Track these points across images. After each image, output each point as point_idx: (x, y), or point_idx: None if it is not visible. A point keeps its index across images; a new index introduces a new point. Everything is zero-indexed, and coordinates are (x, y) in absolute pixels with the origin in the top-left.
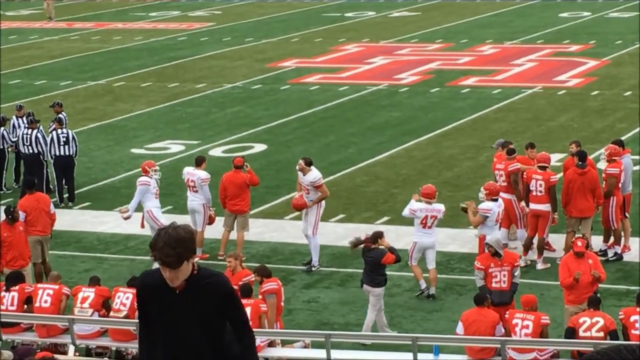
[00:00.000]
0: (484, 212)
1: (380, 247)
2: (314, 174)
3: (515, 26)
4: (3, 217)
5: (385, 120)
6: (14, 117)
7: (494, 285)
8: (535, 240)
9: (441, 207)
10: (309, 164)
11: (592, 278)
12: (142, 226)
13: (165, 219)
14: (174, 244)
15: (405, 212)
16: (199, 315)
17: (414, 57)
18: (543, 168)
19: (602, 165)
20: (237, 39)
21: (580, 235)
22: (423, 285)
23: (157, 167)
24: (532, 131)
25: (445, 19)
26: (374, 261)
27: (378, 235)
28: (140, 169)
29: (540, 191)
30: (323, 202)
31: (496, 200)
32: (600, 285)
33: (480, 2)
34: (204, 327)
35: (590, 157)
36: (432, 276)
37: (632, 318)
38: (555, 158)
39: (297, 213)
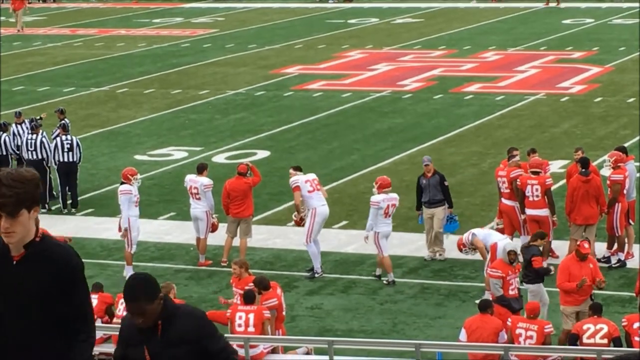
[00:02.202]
0: (479, 243)
1: (536, 245)
2: (292, 178)
3: (518, 33)
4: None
5: (388, 127)
6: (13, 124)
7: (510, 292)
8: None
9: (396, 195)
10: (297, 168)
11: (592, 282)
12: (120, 230)
13: (137, 231)
14: (12, 183)
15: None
16: (36, 290)
17: (417, 64)
18: (536, 173)
19: (606, 172)
20: (240, 45)
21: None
22: (378, 272)
23: (138, 175)
24: (536, 138)
25: (449, 25)
26: (525, 257)
27: (539, 235)
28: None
29: (537, 196)
30: (318, 210)
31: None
32: (603, 292)
33: (484, 9)
34: (41, 305)
35: (594, 163)
36: (387, 263)
37: (635, 325)
38: (558, 165)
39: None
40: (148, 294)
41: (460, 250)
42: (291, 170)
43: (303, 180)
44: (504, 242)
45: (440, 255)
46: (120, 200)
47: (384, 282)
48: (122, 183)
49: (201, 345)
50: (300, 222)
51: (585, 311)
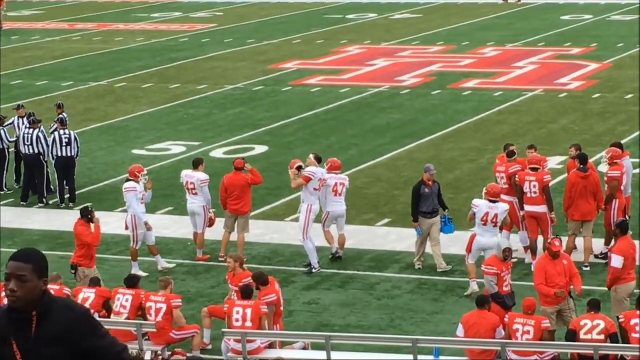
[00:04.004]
0: (473, 207)
1: None
2: (310, 168)
3: (517, 29)
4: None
5: (386, 123)
6: (15, 117)
7: (504, 289)
8: (540, 243)
9: (346, 177)
10: (318, 159)
11: (568, 279)
12: (126, 228)
13: (143, 228)
14: None
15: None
16: None
17: (416, 60)
18: (535, 170)
19: (603, 168)
20: (238, 40)
21: (555, 236)
22: (334, 249)
23: (145, 172)
24: (533, 134)
25: (447, 21)
26: None
27: None
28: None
29: (535, 192)
30: (314, 207)
31: (494, 202)
32: (601, 288)
33: (482, 5)
34: None
35: (591, 160)
36: (341, 241)
37: (633, 321)
38: (557, 161)
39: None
40: (39, 265)
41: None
42: (312, 159)
43: (317, 177)
44: (494, 240)
45: (443, 265)
46: (126, 198)
47: (331, 255)
48: (127, 180)
49: (80, 346)
50: (294, 170)
51: (566, 309)
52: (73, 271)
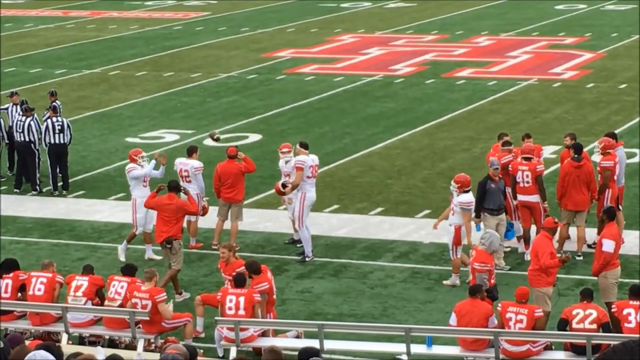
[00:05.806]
0: (467, 206)
1: None
2: (299, 157)
3: (510, 18)
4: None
5: (380, 111)
6: (10, 104)
7: (492, 282)
8: (533, 232)
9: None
10: (304, 146)
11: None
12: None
13: (143, 212)
14: None
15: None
16: None
17: (410, 48)
18: (528, 159)
19: (595, 158)
20: (232, 28)
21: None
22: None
23: (144, 154)
24: (527, 123)
25: (441, 10)
26: None
27: None
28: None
29: (527, 182)
30: (308, 195)
31: (468, 191)
32: (593, 277)
33: None
34: None
35: (585, 149)
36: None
37: (625, 311)
38: (550, 150)
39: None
40: None
41: None
42: (299, 147)
43: (308, 164)
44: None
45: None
46: (131, 177)
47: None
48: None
49: None
50: (282, 193)
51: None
52: (169, 245)
